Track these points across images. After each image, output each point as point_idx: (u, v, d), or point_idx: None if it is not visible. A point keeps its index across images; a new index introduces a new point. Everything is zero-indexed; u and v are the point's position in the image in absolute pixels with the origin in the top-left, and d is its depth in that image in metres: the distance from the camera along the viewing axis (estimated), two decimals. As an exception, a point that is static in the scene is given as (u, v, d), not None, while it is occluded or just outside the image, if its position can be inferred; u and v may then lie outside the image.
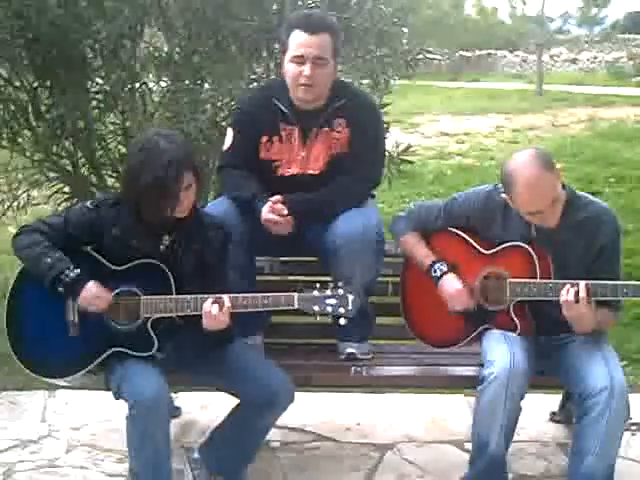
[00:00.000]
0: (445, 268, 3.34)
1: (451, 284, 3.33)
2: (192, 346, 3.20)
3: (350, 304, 3.00)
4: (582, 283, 3.08)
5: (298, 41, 3.40)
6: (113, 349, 3.09)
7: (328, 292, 3.01)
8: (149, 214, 3.02)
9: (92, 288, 3.03)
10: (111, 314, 3.09)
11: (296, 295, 3.03)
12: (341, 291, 3.00)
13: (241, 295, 3.05)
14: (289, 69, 3.44)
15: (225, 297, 3.01)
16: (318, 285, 3.03)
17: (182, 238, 3.14)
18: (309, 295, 3.02)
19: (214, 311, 2.99)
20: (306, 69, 3.39)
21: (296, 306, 3.02)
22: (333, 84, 3.52)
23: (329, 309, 3.00)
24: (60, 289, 3.02)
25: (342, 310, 3.00)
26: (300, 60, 3.40)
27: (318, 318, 3.04)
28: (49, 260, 3.02)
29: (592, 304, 3.10)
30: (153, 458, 3.01)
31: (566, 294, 3.08)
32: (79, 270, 3.03)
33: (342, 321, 3.03)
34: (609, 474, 3.07)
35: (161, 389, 3.02)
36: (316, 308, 3.00)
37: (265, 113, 3.54)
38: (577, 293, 3.07)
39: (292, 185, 3.50)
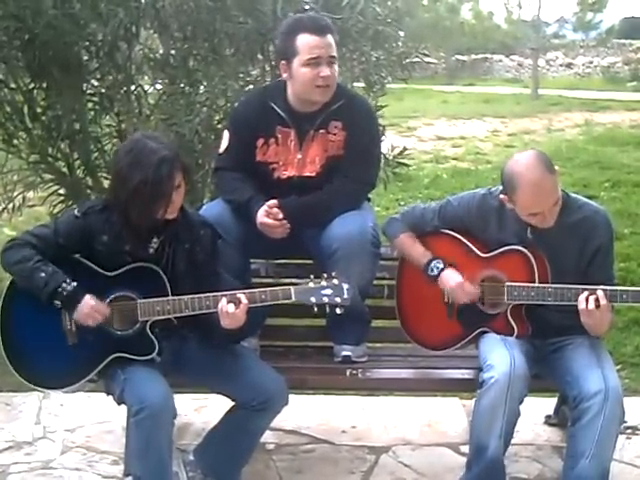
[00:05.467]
0: (442, 265, 3.34)
1: (452, 277, 3.32)
2: (191, 347, 3.21)
3: (345, 293, 3.01)
4: (600, 290, 3.07)
5: (310, 44, 3.39)
6: (114, 355, 3.08)
7: (323, 283, 3.01)
8: (139, 216, 3.00)
9: (90, 301, 3.01)
10: (108, 320, 3.07)
11: (293, 288, 3.03)
12: (336, 281, 3.01)
13: (239, 291, 3.04)
14: (304, 73, 3.41)
15: (240, 294, 3.01)
16: (312, 277, 3.03)
17: (171, 239, 3.13)
18: (305, 287, 3.02)
19: (231, 309, 2.98)
20: (325, 70, 3.40)
21: (293, 299, 3.02)
22: None
23: (325, 299, 3.00)
24: (57, 302, 3.00)
25: (338, 299, 3.01)
26: (316, 62, 3.39)
27: (315, 309, 3.03)
28: (43, 275, 2.99)
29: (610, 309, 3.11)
30: (158, 463, 2.99)
31: (585, 302, 3.07)
32: (75, 283, 3.01)
33: (338, 310, 3.03)
34: (603, 477, 3.07)
35: (167, 394, 3.02)
36: (313, 299, 3.01)
37: (261, 116, 3.54)
38: (597, 300, 3.06)
39: (289, 187, 3.51)
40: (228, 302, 2.99)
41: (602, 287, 3.10)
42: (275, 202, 3.44)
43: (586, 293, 3.09)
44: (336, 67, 3.48)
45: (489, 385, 3.09)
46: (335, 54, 3.46)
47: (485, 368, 3.16)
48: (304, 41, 3.41)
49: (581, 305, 3.08)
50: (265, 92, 3.72)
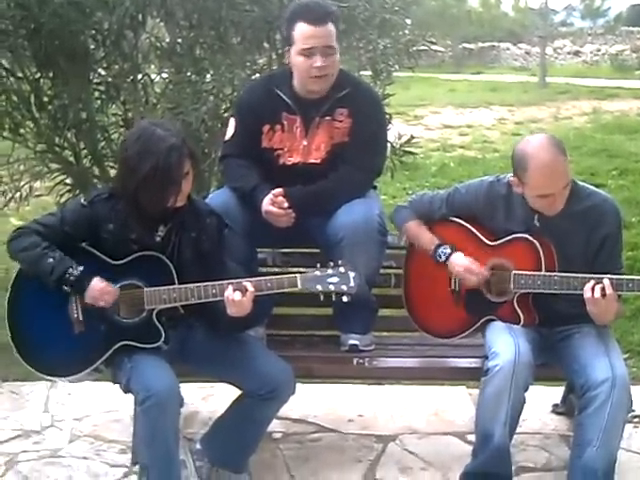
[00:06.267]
0: (449, 250, 3.34)
1: (461, 261, 3.32)
2: (197, 335, 3.22)
3: (352, 281, 3.00)
4: (606, 279, 3.06)
5: (305, 34, 3.38)
6: (120, 343, 3.08)
7: (329, 271, 3.01)
8: (150, 204, 3.00)
9: (98, 284, 3.02)
10: (115, 308, 3.08)
11: (299, 276, 3.03)
12: (342, 269, 3.01)
13: (245, 279, 3.04)
14: (298, 62, 3.42)
15: (247, 282, 3.01)
16: (319, 265, 3.03)
17: (178, 227, 3.13)
18: (311, 275, 3.02)
19: (237, 297, 2.98)
20: (317, 61, 3.38)
21: (299, 286, 3.02)
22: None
23: (332, 287, 3.00)
24: (66, 288, 3.01)
25: (344, 287, 3.00)
26: (309, 52, 3.38)
27: (322, 298, 3.02)
28: (51, 260, 3.00)
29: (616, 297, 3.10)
30: (165, 451, 3.00)
31: (591, 291, 3.06)
32: (82, 267, 3.01)
33: (345, 298, 3.02)
34: (610, 465, 3.06)
35: (173, 382, 3.02)
36: (319, 287, 3.00)
37: (267, 102, 3.54)
38: (603, 289, 3.05)
39: (294, 174, 3.50)
40: (234, 290, 2.99)
41: (608, 276, 3.09)
42: (280, 191, 3.43)
43: (592, 282, 3.08)
44: (336, 57, 3.44)
45: (494, 373, 3.09)
46: (333, 44, 3.42)
47: (490, 356, 3.16)
48: (300, 30, 3.39)
49: (587, 294, 3.08)
50: (271, 79, 3.72)
